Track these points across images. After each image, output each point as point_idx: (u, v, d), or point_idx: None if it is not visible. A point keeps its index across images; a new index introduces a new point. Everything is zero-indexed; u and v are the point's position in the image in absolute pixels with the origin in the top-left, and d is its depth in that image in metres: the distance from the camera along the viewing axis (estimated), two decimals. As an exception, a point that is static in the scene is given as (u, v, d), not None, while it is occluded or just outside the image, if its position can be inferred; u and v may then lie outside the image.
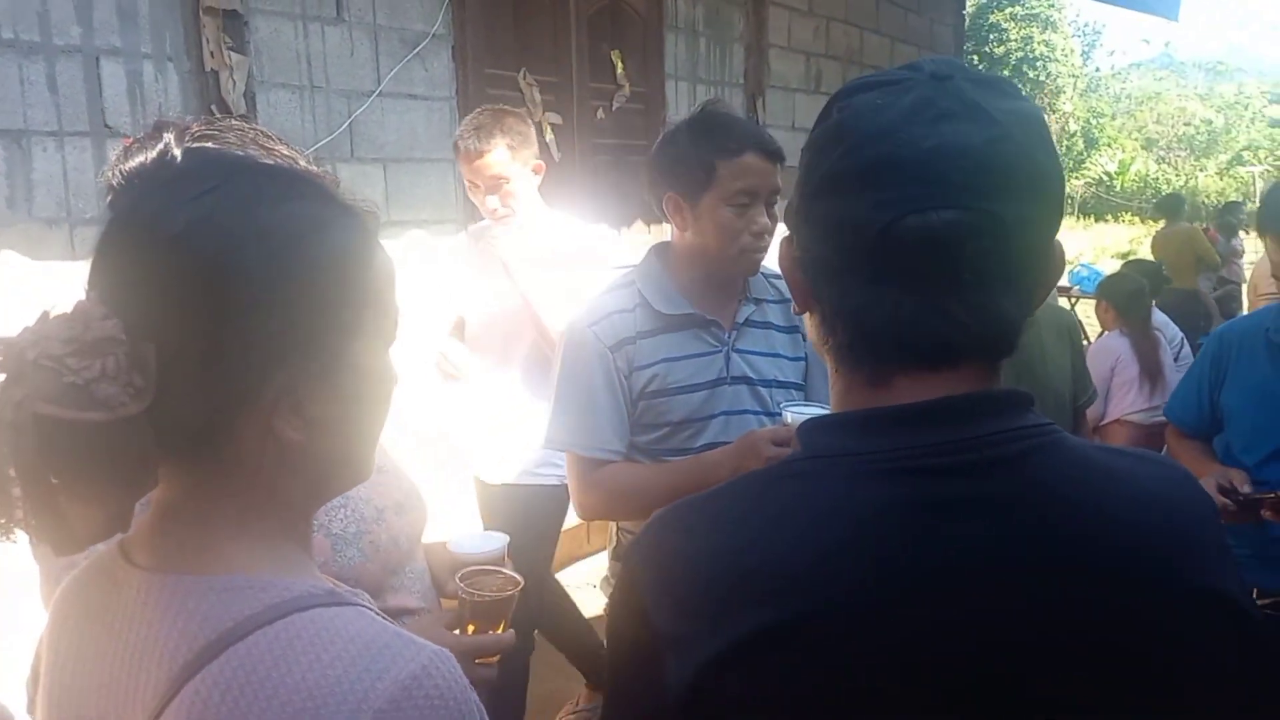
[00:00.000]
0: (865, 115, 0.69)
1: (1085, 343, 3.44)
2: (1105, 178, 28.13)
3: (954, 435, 0.66)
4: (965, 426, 0.66)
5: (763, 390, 1.63)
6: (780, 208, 1.62)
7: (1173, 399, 2.08)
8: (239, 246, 0.64)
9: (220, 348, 0.64)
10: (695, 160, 1.56)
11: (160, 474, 0.66)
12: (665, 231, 1.80)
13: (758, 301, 1.68)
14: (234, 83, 2.69)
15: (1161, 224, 7.12)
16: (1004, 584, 0.63)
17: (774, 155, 1.56)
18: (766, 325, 1.68)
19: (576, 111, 3.75)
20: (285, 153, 1.07)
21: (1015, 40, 27.78)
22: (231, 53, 2.68)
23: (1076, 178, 27.80)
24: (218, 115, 2.70)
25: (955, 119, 0.66)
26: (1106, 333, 4.02)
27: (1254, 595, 1.79)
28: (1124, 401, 3.78)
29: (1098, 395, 2.64)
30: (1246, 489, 1.69)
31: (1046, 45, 28.01)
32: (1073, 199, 26.74)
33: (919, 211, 0.65)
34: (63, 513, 0.61)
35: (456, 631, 1.20)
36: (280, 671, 0.62)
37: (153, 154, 0.71)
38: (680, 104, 4.25)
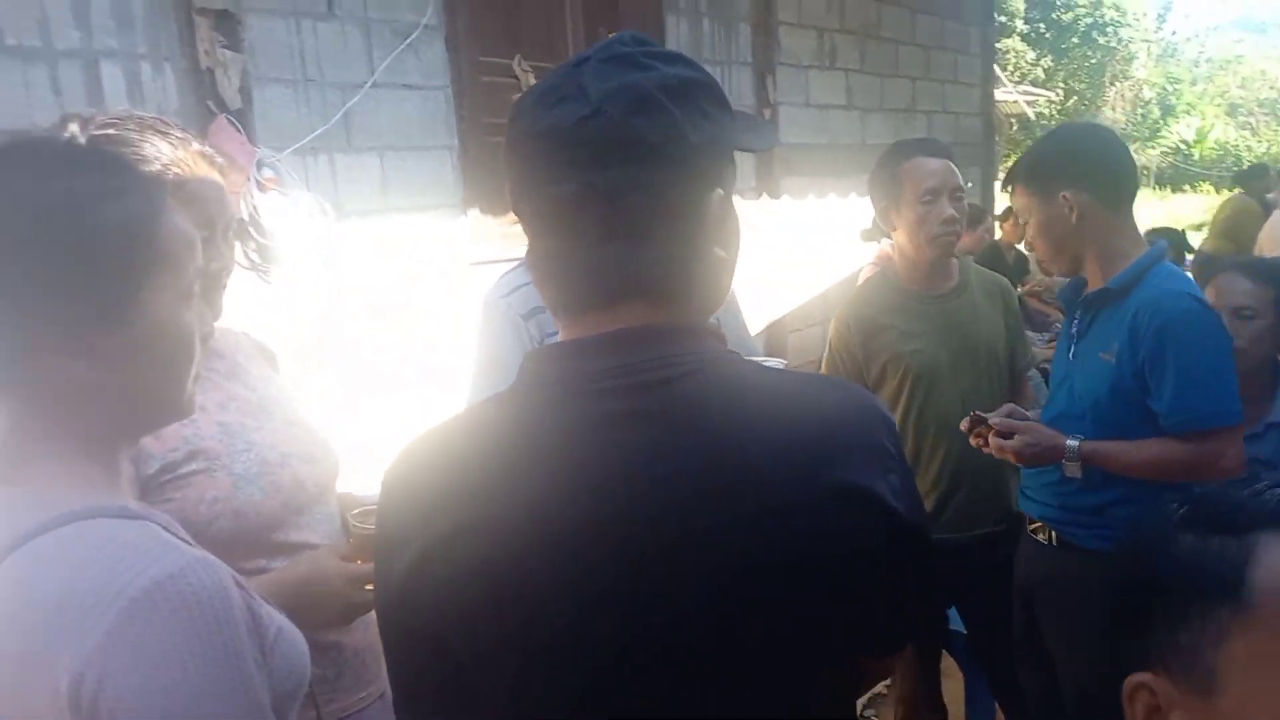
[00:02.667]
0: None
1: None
2: (1182, 146, 27.07)
3: (619, 361, 0.76)
4: (629, 354, 0.76)
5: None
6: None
7: None
8: (9, 221, 0.75)
9: (7, 299, 0.75)
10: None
11: None
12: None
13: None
14: (229, 80, 2.84)
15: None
16: (654, 484, 0.72)
17: None
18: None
19: (574, 95, 3.84)
20: (179, 135, 1.19)
21: (1084, 6, 26.84)
22: (225, 50, 2.83)
23: (1151, 147, 26.78)
24: (214, 111, 2.87)
25: (565, 102, 0.77)
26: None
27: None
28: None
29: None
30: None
31: (1117, 9, 26.99)
32: (1148, 169, 25.77)
33: (539, 183, 0.78)
34: None
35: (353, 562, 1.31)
36: (53, 569, 0.73)
37: None
38: (684, 84, 4.31)
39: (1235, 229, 6.17)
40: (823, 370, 2.45)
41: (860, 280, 4.64)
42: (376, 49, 3.21)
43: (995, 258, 5.17)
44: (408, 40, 3.27)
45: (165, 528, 0.82)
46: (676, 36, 4.29)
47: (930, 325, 2.18)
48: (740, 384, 0.78)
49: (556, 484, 0.73)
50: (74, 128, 1.16)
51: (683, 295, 0.81)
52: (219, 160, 1.26)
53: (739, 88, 4.66)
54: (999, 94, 13.75)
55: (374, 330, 3.18)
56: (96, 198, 0.79)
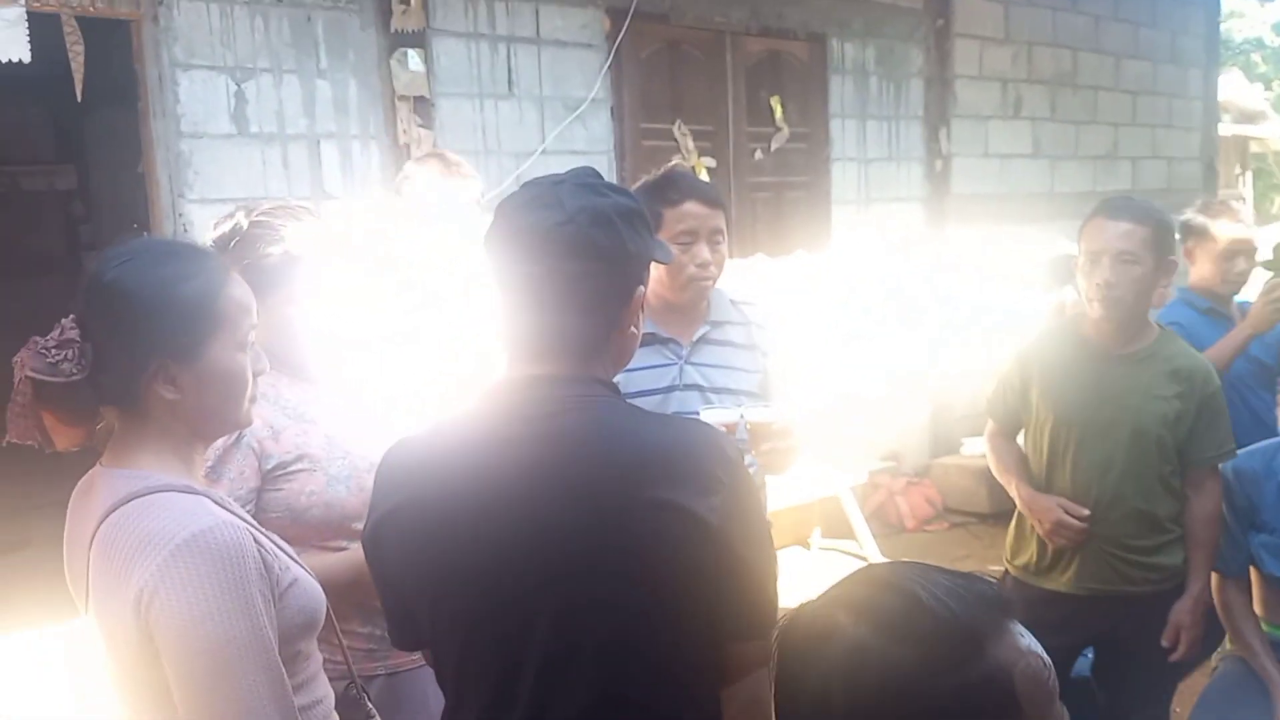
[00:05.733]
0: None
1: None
2: None
3: (523, 397, 1.08)
4: (540, 392, 1.07)
5: (713, 396, 1.95)
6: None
7: None
8: (132, 291, 1.16)
9: (122, 344, 1.16)
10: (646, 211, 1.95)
11: (106, 413, 1.20)
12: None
13: (716, 323, 2.00)
14: (421, 153, 3.40)
15: None
16: (534, 484, 1.03)
17: (712, 202, 1.90)
18: (725, 343, 1.99)
19: (733, 154, 4.14)
20: (311, 218, 1.64)
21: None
22: (421, 129, 3.39)
23: None
24: (408, 178, 3.43)
25: (546, 209, 1.08)
26: None
27: None
28: None
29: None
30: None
31: None
32: None
33: (516, 263, 1.09)
34: (47, 431, 1.17)
35: None
36: (136, 522, 1.12)
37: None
38: (847, 139, 4.48)
39: None
40: (989, 396, 2.41)
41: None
42: (549, 121, 3.68)
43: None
44: (576, 113, 3.72)
45: (217, 501, 1.20)
46: (840, 95, 4.48)
47: (1089, 382, 2.16)
48: (607, 420, 1.06)
49: (476, 478, 1.04)
50: (240, 215, 1.62)
51: (594, 355, 1.10)
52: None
53: (908, 141, 4.75)
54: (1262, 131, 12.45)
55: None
56: (176, 280, 1.18)
